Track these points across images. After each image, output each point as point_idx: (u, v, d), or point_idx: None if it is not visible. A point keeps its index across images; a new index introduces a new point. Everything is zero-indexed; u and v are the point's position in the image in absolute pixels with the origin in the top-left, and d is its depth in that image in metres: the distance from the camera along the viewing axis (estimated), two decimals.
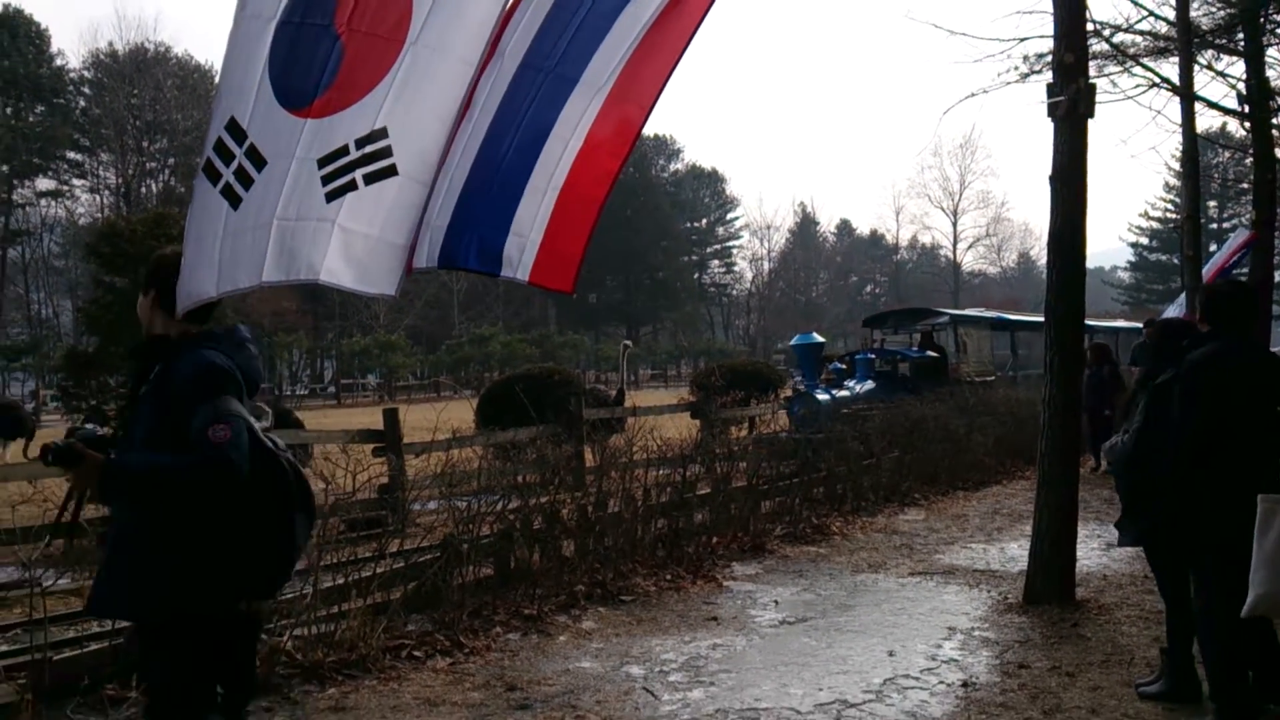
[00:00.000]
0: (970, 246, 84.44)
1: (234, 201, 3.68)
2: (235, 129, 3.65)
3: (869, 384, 15.54)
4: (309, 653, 5.21)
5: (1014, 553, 8.13)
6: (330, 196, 3.97)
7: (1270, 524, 3.57)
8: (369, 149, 4.00)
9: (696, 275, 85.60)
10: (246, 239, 3.71)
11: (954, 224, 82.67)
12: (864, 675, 5.20)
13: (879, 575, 7.60)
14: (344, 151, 3.96)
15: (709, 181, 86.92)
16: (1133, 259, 77.92)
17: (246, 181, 3.69)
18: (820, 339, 15.95)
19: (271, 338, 54.38)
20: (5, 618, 6.38)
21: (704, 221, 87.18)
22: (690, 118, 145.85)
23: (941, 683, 5.07)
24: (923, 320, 19.62)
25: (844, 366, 16.53)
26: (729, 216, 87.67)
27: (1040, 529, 6.67)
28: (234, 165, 3.66)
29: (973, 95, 16.44)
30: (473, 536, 6.47)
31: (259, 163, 3.74)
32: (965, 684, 5.03)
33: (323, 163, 3.93)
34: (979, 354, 19.34)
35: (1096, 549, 8.21)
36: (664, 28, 5.24)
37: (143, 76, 57.47)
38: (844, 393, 14.82)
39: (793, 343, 16.05)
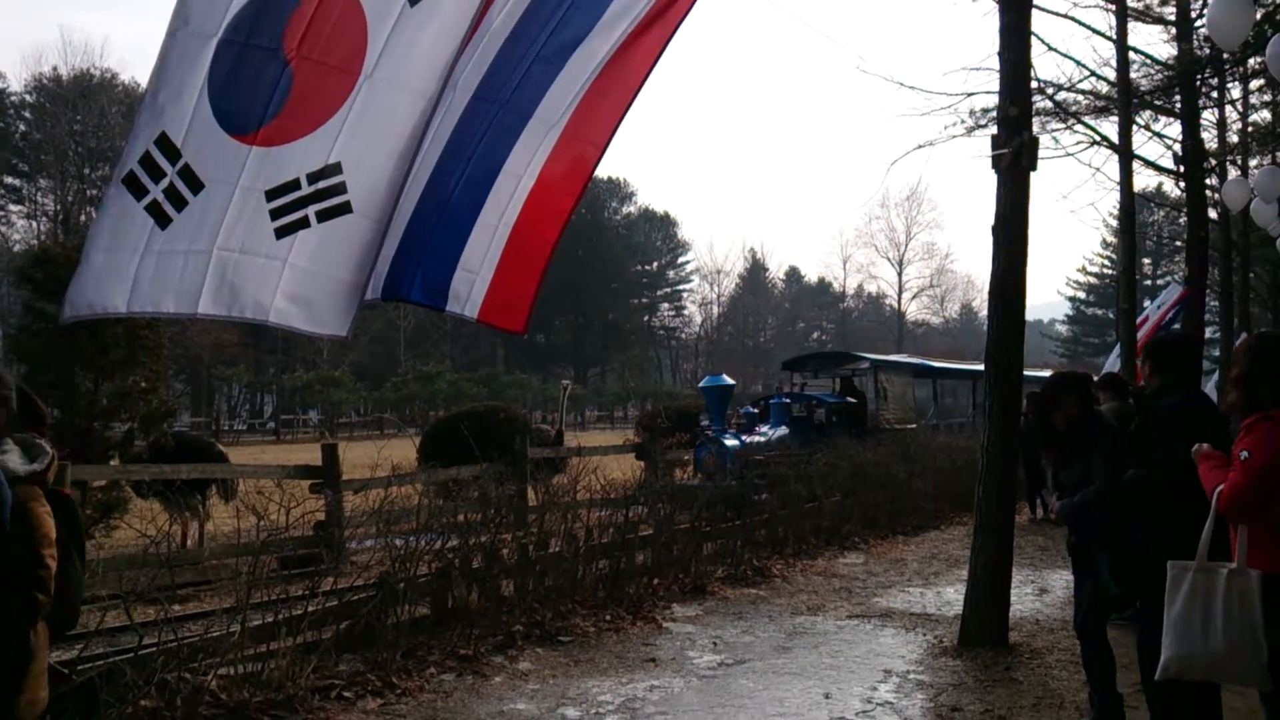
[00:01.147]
0: (915, 297, 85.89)
1: (162, 221, 3.57)
2: (167, 146, 3.55)
3: (782, 430, 14.86)
4: (234, 692, 5.05)
5: (950, 597, 8.18)
6: (281, 233, 3.88)
7: (1178, 589, 3.62)
8: (322, 184, 3.92)
9: (646, 318, 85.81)
10: (176, 262, 3.61)
11: (899, 274, 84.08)
12: (800, 717, 5.18)
13: (818, 618, 7.59)
14: (295, 185, 3.88)
15: (661, 225, 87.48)
16: (1070, 312, 79.75)
17: (179, 203, 3.60)
18: (730, 381, 15.10)
19: (211, 371, 53.41)
20: None
21: (655, 265, 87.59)
22: (644, 161, 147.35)
23: None
24: (844, 365, 19.09)
25: (756, 411, 15.91)
26: (680, 260, 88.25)
27: (976, 573, 6.73)
28: (164, 184, 3.56)
29: (920, 147, 16.76)
30: (410, 575, 6.35)
31: (195, 185, 3.65)
32: None
33: (272, 195, 3.84)
34: (900, 401, 18.95)
35: (1030, 594, 8.30)
36: (618, 68, 5.27)
37: (87, 102, 56.44)
38: (755, 438, 14.13)
39: (701, 385, 15.21)
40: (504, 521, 7.45)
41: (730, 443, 13.27)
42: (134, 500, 9.89)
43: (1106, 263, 70.40)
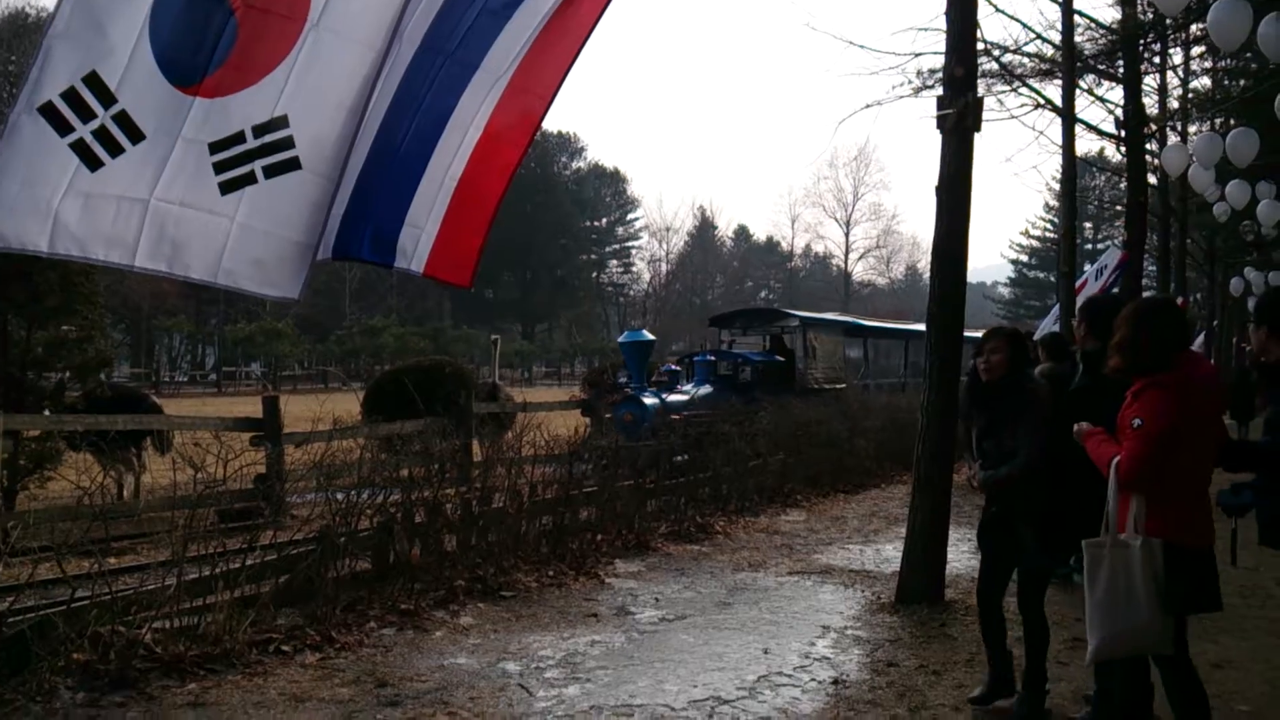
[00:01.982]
0: (861, 257, 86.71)
1: (91, 163, 3.44)
2: (98, 86, 3.40)
3: (706, 388, 14.51)
4: (169, 646, 4.99)
5: (889, 554, 8.34)
6: (226, 188, 3.77)
7: (1098, 570, 3.65)
8: (268, 138, 3.81)
9: (595, 274, 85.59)
10: (108, 208, 3.49)
11: (846, 234, 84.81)
12: (739, 672, 5.25)
13: (759, 574, 7.69)
14: (240, 139, 3.76)
15: (610, 181, 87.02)
16: (1012, 275, 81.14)
17: (114, 149, 3.47)
18: (650, 337, 14.68)
19: (150, 321, 52.32)
20: None
21: (604, 221, 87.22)
22: (594, 116, 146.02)
23: (813, 680, 5.15)
24: (773, 322, 18.64)
25: (678, 369, 15.49)
26: (629, 217, 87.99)
27: (914, 531, 6.85)
28: (94, 125, 3.41)
29: (868, 106, 17.00)
30: (351, 529, 6.31)
31: (134, 134, 3.52)
32: (836, 681, 5.12)
33: (215, 148, 3.72)
34: (829, 359, 18.29)
35: (967, 552, 8.46)
36: (565, 18, 5.19)
37: (21, 42, 54.40)
38: (677, 397, 13.77)
39: (620, 340, 14.62)
40: (447, 476, 7.43)
41: (649, 401, 12.92)
42: (67, 452, 9.69)
43: (1049, 226, 71.59)
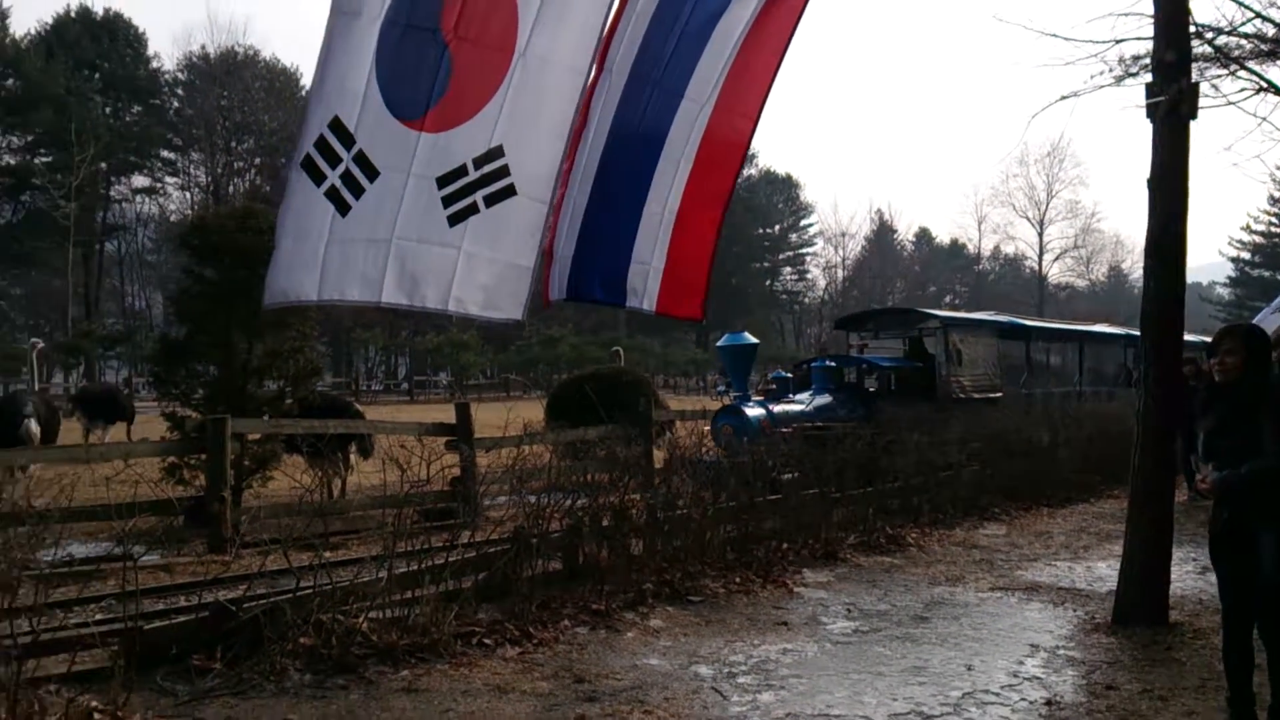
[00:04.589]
0: (1057, 258, 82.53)
1: (342, 208, 3.65)
2: (341, 130, 3.61)
3: (824, 398, 12.92)
4: (383, 635, 5.25)
5: (1102, 572, 7.86)
6: (453, 220, 3.97)
7: None
8: (487, 169, 3.98)
9: (768, 282, 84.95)
10: (359, 251, 3.71)
11: (1040, 234, 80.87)
12: (941, 688, 5.04)
13: (957, 589, 7.39)
14: (463, 171, 3.94)
15: (783, 187, 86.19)
16: (1233, 274, 74.97)
17: (356, 190, 3.67)
18: (753, 340, 12.94)
19: (350, 334, 55.56)
20: (100, 589, 6.53)
21: (777, 228, 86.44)
22: (766, 122, 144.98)
23: (1023, 700, 4.88)
24: (912, 323, 16.30)
25: (789, 375, 14.17)
26: (803, 223, 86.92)
27: (1132, 547, 6.40)
28: (340, 169, 3.63)
29: (1064, 98, 15.84)
30: (542, 531, 6.47)
31: (370, 172, 3.72)
32: (1049, 702, 4.84)
33: (442, 182, 3.92)
34: (980, 365, 15.76)
35: (1191, 571, 7.87)
36: (760, 33, 5.19)
37: (232, 79, 59.32)
38: (788, 407, 12.29)
39: (719, 344, 13.00)
40: (631, 482, 7.49)
41: (751, 412, 11.48)
42: (280, 456, 10.35)
43: (1274, 220, 66.18)
